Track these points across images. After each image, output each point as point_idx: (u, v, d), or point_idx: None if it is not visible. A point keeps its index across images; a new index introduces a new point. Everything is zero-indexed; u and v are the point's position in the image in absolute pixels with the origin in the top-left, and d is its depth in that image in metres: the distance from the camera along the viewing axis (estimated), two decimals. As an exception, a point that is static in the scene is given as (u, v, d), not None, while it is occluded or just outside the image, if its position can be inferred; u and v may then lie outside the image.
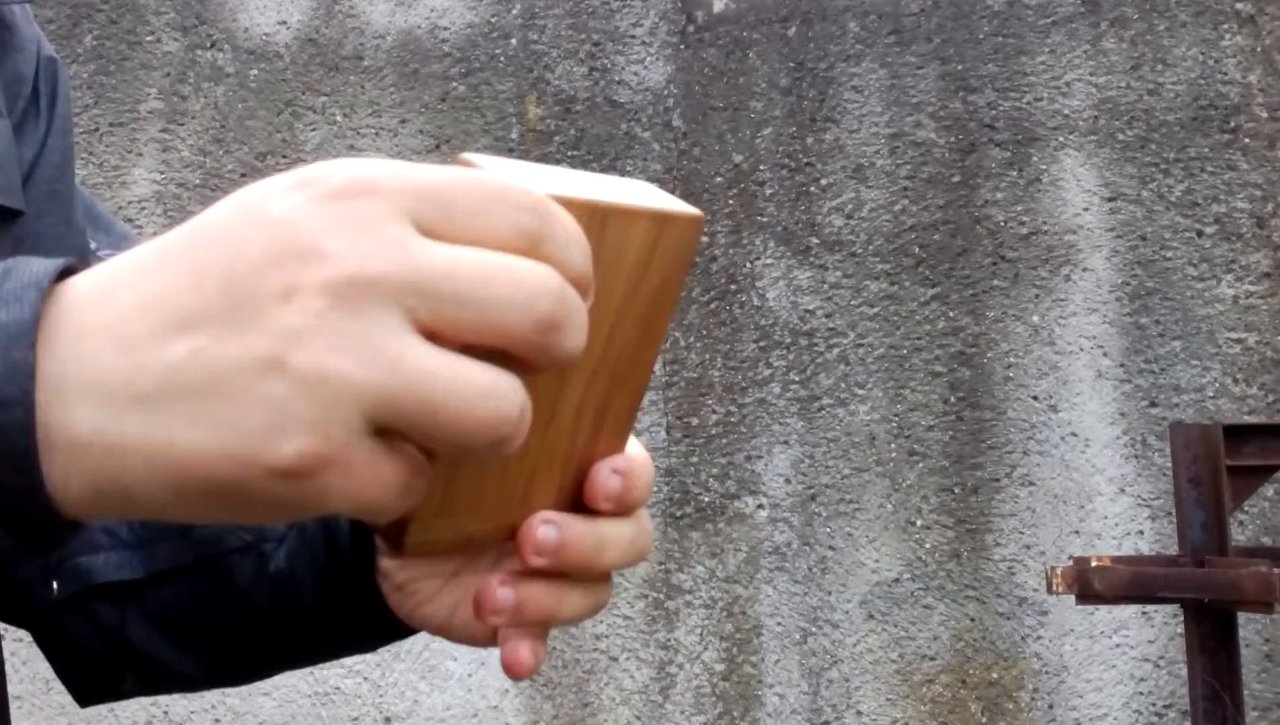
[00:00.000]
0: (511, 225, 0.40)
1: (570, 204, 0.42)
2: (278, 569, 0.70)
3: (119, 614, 0.72)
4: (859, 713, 2.66)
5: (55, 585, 0.72)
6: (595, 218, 0.43)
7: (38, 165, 0.76)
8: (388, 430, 0.38)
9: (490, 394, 0.38)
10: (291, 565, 0.69)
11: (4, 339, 0.39)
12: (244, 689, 2.75)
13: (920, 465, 2.73)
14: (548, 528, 0.48)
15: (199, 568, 0.73)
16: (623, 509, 0.50)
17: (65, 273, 0.41)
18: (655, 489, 2.99)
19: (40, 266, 0.40)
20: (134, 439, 0.38)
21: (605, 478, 0.50)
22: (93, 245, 0.81)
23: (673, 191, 2.87)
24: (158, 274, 0.39)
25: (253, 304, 0.38)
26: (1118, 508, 2.68)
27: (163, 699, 2.76)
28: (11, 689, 0.57)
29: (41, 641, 0.74)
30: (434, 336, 0.38)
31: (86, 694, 0.75)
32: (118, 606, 0.72)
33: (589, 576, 0.51)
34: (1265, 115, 2.78)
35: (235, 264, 0.38)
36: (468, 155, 0.46)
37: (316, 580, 0.67)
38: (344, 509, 0.39)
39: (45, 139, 0.77)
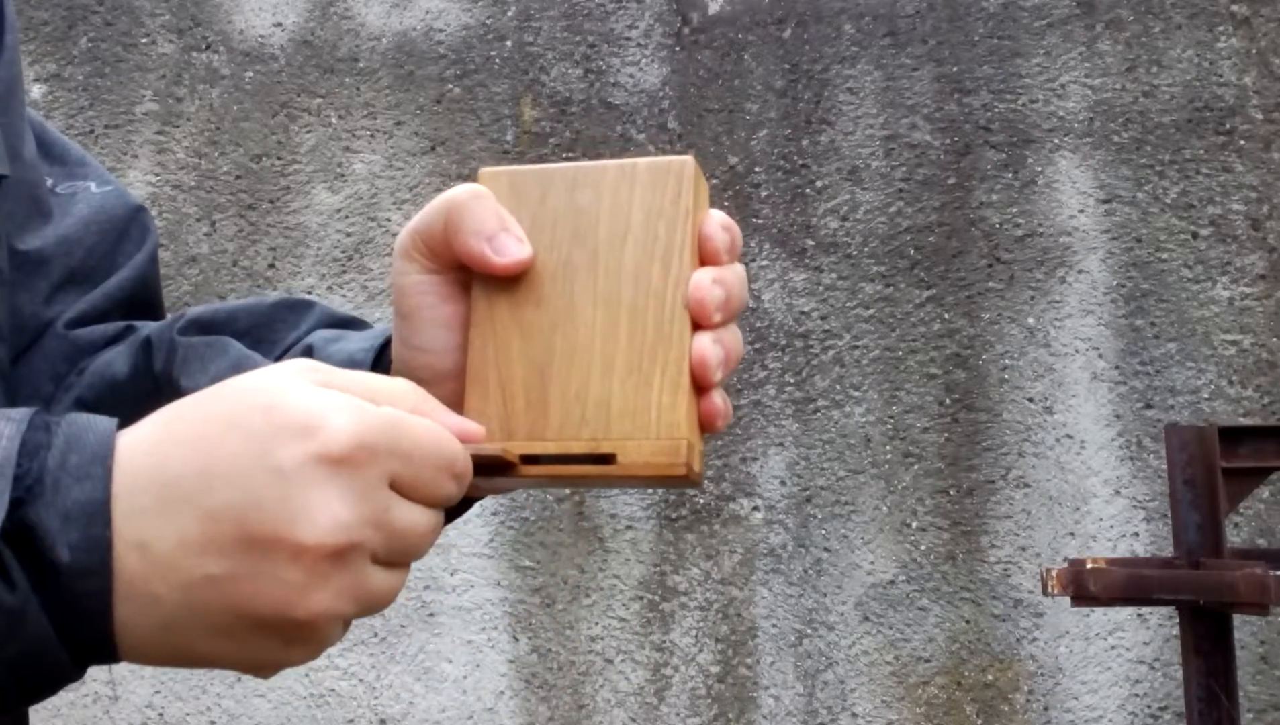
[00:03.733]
0: (444, 492, 0.53)
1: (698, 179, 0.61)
2: None
3: None
4: (854, 714, 2.66)
5: None
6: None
7: None
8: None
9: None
10: None
11: (83, 515, 0.47)
12: (239, 691, 2.75)
13: (915, 467, 2.73)
14: (715, 287, 0.58)
15: None
16: (733, 256, 0.61)
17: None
18: (650, 492, 2.98)
19: (97, 437, 0.49)
20: (167, 642, 0.50)
21: (719, 233, 0.60)
22: (49, 181, 0.79)
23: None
24: (180, 508, 0.48)
25: (266, 553, 0.48)
26: (1113, 510, 2.68)
27: (158, 701, 2.75)
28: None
29: None
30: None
31: None
32: None
33: (734, 317, 0.61)
34: (1260, 117, 2.78)
35: (249, 512, 0.48)
36: (487, 170, 0.63)
37: None
38: None
39: None
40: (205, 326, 0.75)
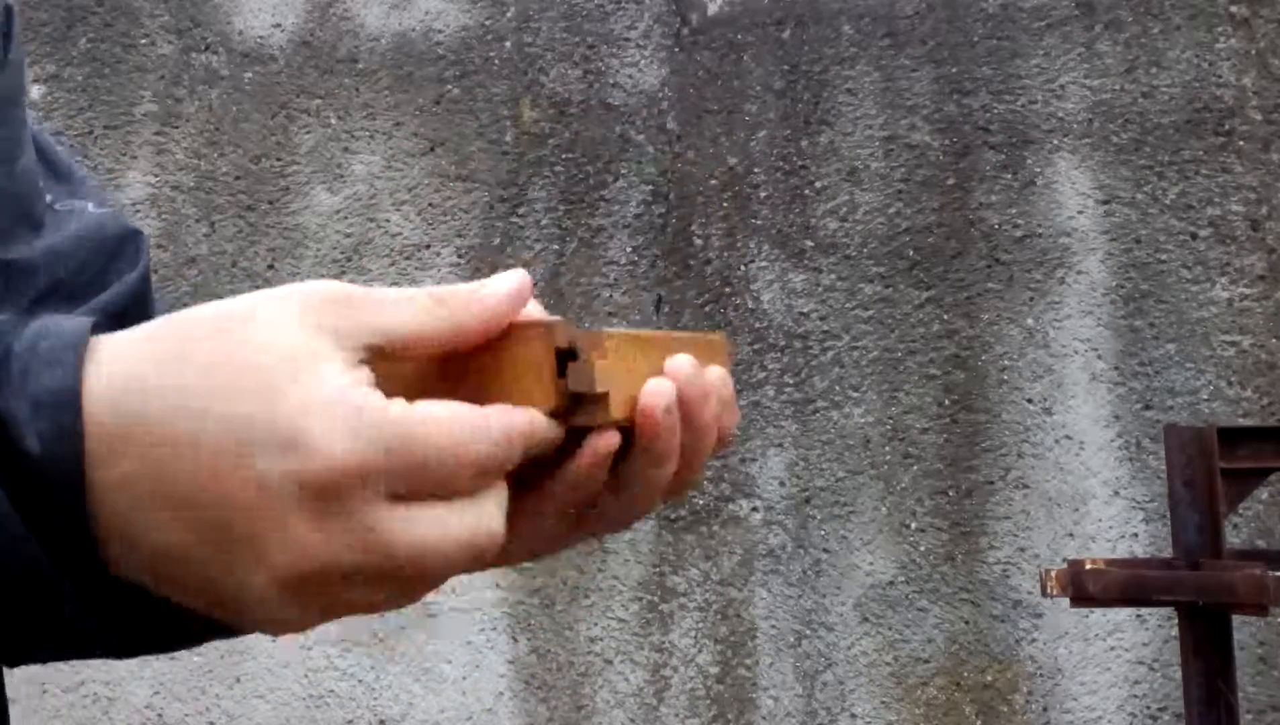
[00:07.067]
0: (471, 484, 0.46)
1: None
2: None
3: None
4: (853, 715, 2.66)
5: None
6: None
7: None
8: None
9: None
10: None
11: (54, 401, 0.44)
12: (239, 692, 2.75)
13: (915, 468, 2.73)
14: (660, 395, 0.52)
15: None
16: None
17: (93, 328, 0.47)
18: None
19: (72, 325, 0.46)
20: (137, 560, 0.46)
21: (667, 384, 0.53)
22: (48, 198, 0.79)
23: (667, 194, 2.87)
24: (168, 464, 0.45)
25: (235, 562, 0.45)
26: (1112, 510, 2.68)
27: (156, 702, 2.75)
28: (10, 692, 0.57)
29: None
30: None
31: None
32: None
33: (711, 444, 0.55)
34: (1259, 118, 2.78)
35: (224, 517, 0.44)
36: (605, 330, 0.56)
37: None
38: None
39: None
40: None
